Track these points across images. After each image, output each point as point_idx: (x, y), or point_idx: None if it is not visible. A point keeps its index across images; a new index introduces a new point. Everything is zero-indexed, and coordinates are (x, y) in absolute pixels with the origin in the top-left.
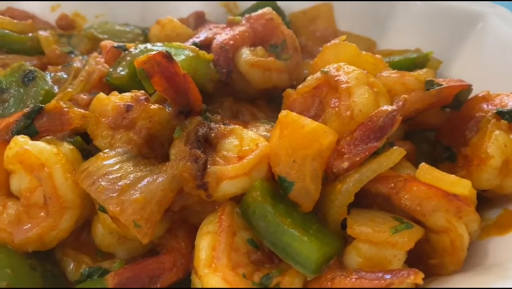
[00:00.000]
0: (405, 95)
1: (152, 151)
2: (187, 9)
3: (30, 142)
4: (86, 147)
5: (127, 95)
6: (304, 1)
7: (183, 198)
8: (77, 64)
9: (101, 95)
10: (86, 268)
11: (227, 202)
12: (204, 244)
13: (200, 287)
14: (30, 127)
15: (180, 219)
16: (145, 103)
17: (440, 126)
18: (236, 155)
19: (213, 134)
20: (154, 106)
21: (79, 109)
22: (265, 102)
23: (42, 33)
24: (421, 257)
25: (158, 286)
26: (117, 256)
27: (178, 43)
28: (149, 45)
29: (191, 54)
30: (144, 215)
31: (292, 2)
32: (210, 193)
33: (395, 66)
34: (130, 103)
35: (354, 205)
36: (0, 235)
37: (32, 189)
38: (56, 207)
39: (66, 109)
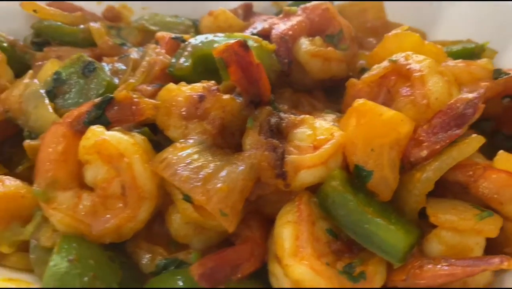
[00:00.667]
0: (486, 83)
1: (224, 140)
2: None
3: (107, 132)
4: (154, 137)
5: (198, 85)
6: None
7: (260, 188)
8: (133, 55)
9: (171, 85)
10: (162, 260)
11: (303, 192)
12: (287, 234)
13: (282, 276)
14: (102, 117)
15: (254, 209)
16: (218, 93)
17: (499, 116)
18: (311, 144)
19: (283, 124)
20: (226, 96)
21: (151, 100)
22: (322, 92)
23: (93, 25)
24: (494, 246)
25: (239, 276)
26: (192, 246)
27: (241, 34)
28: (210, 36)
29: (254, 44)
30: (229, 203)
31: None
32: (288, 182)
33: (453, 56)
34: (203, 94)
35: (428, 194)
36: (77, 226)
37: (109, 179)
38: (134, 197)
39: (137, 99)
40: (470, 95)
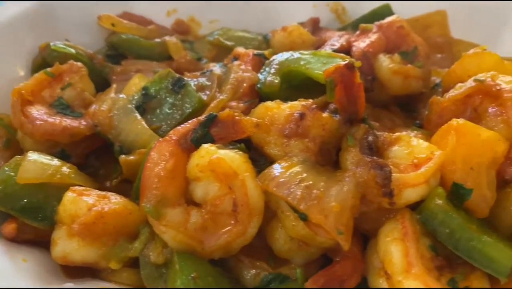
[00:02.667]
0: None
1: (322, 158)
2: (299, 15)
3: (220, 151)
4: (249, 153)
5: (296, 103)
6: (415, 0)
7: (365, 205)
8: (216, 70)
9: (269, 103)
10: (267, 275)
11: (405, 209)
12: (396, 250)
13: None
14: (207, 135)
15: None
16: (318, 111)
17: None
18: (411, 163)
19: (380, 142)
20: (326, 115)
21: (251, 118)
22: (398, 108)
23: (169, 39)
24: None
25: None
26: (293, 261)
27: (327, 52)
28: (296, 54)
29: (342, 62)
30: (343, 221)
31: (402, 6)
32: (394, 201)
33: None
34: (303, 112)
35: None
36: (189, 242)
37: (221, 196)
38: (246, 214)
39: (238, 117)
40: None
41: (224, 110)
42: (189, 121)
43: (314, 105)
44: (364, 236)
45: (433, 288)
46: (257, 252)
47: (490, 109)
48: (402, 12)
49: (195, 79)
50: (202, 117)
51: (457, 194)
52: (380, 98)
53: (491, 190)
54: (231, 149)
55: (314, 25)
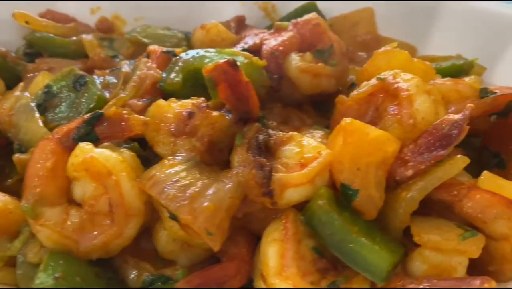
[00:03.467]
0: (471, 104)
1: (212, 157)
2: (227, 13)
3: (96, 149)
4: (143, 153)
5: (187, 102)
6: (344, 1)
7: (247, 205)
8: (125, 68)
9: (161, 101)
10: (149, 276)
11: (290, 209)
12: (272, 252)
13: None
14: (91, 134)
15: (240, 226)
16: (207, 110)
17: (486, 133)
18: (298, 162)
19: (272, 141)
20: (216, 113)
21: (140, 116)
22: (311, 107)
23: (85, 36)
24: (478, 264)
25: None
26: (178, 262)
27: (231, 50)
28: (201, 51)
29: (245, 60)
30: (215, 222)
31: (331, 5)
32: (275, 201)
33: (441, 72)
34: (192, 110)
35: (413, 212)
36: (65, 242)
37: (97, 196)
38: (122, 214)
39: (127, 115)
40: (456, 117)
41: (110, 108)
42: (75, 120)
43: (204, 104)
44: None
45: None
46: (146, 253)
47: (389, 108)
48: (330, 10)
49: (102, 77)
50: (87, 115)
51: (345, 195)
52: (293, 98)
53: (379, 191)
54: (125, 148)
55: (239, 23)
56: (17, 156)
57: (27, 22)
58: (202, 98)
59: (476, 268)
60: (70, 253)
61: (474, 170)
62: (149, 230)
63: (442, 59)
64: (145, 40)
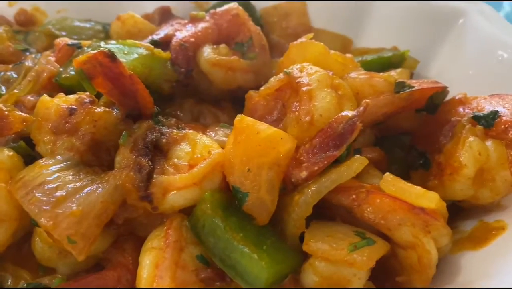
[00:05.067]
0: (367, 100)
1: (97, 158)
2: (155, 4)
3: None
4: (32, 152)
5: (71, 97)
6: None
7: (127, 210)
8: (28, 63)
9: (45, 97)
10: (24, 284)
11: (176, 215)
12: (147, 261)
13: None
14: None
15: (127, 232)
16: (90, 106)
17: (415, 131)
18: (187, 163)
19: (164, 140)
20: (100, 110)
21: (20, 113)
22: (230, 103)
23: None
24: (390, 273)
25: None
26: (58, 271)
27: (132, 41)
28: (102, 43)
29: (145, 52)
30: (80, 229)
31: None
32: (155, 205)
33: (368, 65)
34: (74, 106)
35: (317, 216)
36: None
37: None
38: None
39: (6, 112)
40: (350, 114)
41: None
42: None
43: (88, 99)
44: None
45: None
46: (29, 261)
47: (292, 105)
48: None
49: (3, 72)
50: None
51: (236, 198)
52: (209, 93)
53: (271, 194)
54: (10, 147)
55: (164, 14)
56: None
57: None
58: (87, 93)
59: (387, 277)
60: None
61: (402, 171)
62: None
63: (376, 51)
64: (58, 33)
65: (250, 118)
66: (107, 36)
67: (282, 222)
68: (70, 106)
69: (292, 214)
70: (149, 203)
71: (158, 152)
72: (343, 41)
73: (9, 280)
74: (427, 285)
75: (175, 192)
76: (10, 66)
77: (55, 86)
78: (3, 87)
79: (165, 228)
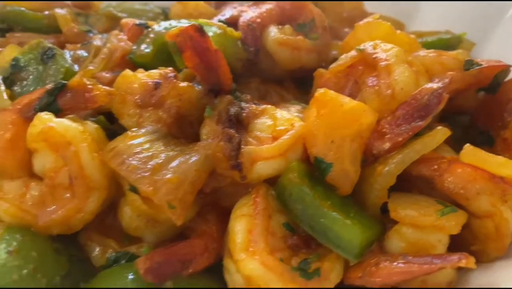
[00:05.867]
0: (451, 72)
1: (181, 130)
2: None
3: (55, 119)
4: (110, 126)
5: (154, 72)
6: None
7: (216, 180)
8: (97, 42)
9: (127, 72)
10: (113, 253)
11: (261, 184)
12: (240, 227)
13: (235, 272)
14: (53, 104)
15: (211, 202)
16: (174, 80)
17: (474, 111)
18: (270, 135)
19: (244, 114)
20: (184, 84)
21: (105, 87)
22: (293, 84)
23: (59, 11)
24: (461, 244)
25: (190, 271)
26: (145, 240)
27: (205, 20)
28: (173, 22)
29: (218, 31)
30: (178, 195)
31: None
32: (244, 174)
33: (428, 47)
34: (159, 80)
35: (393, 188)
36: (24, 217)
37: (57, 168)
38: (82, 187)
39: (91, 86)
40: (435, 85)
41: (73, 79)
42: (36, 90)
43: (171, 74)
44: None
45: (271, 271)
46: (112, 230)
47: (368, 80)
48: None
49: (72, 51)
50: (49, 86)
51: (318, 169)
52: (273, 73)
53: (354, 165)
54: (92, 120)
55: None
56: None
57: None
58: (170, 68)
59: (459, 248)
60: (29, 228)
61: (461, 149)
62: (116, 206)
63: (430, 34)
64: (120, 14)
65: (332, 91)
66: (166, 19)
67: (362, 193)
68: (155, 80)
69: (374, 184)
70: (238, 172)
71: (238, 125)
72: (396, 25)
73: (97, 249)
74: (503, 253)
75: (262, 161)
76: (78, 45)
77: (128, 63)
78: (75, 66)
79: (253, 196)
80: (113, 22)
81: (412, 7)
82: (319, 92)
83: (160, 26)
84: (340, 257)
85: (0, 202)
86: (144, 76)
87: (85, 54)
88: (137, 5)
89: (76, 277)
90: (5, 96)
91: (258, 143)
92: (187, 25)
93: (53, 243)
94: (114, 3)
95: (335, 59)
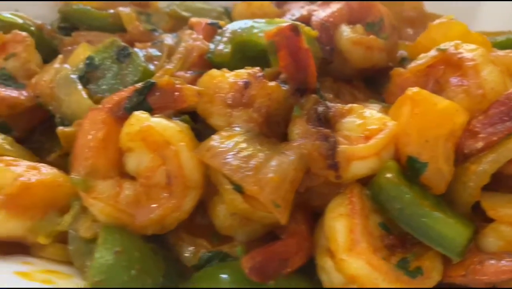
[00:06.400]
0: None
1: (270, 129)
2: None
3: (152, 118)
4: (195, 126)
5: (242, 72)
6: None
7: (310, 179)
8: (167, 41)
9: (214, 71)
10: (206, 253)
11: (354, 184)
12: (340, 227)
13: (334, 271)
14: (144, 103)
15: (301, 202)
16: (264, 80)
17: None
18: (362, 135)
19: (331, 113)
20: (272, 84)
21: (193, 87)
22: (362, 83)
23: (122, 9)
24: None
25: (288, 270)
26: (236, 238)
27: (281, 19)
28: (249, 22)
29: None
30: (281, 194)
31: None
32: (340, 174)
33: (498, 47)
34: (248, 80)
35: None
36: (120, 216)
37: (154, 168)
38: (180, 187)
39: (179, 85)
40: None
41: (162, 78)
42: (125, 89)
43: (260, 74)
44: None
45: (377, 270)
46: (201, 230)
47: (452, 80)
48: None
49: (145, 50)
50: (138, 85)
51: (412, 168)
52: (343, 72)
53: (448, 164)
54: (175, 120)
55: None
56: (61, 129)
57: None
58: (258, 68)
59: None
60: (124, 227)
61: None
62: (204, 205)
63: (494, 34)
64: (185, 14)
65: (426, 91)
66: (229, 18)
67: (453, 192)
68: (244, 80)
69: (468, 182)
70: (334, 172)
71: (326, 124)
72: None
73: (190, 249)
74: None
75: (358, 161)
76: (149, 44)
77: (205, 63)
78: (150, 65)
79: (348, 196)
80: (176, 21)
81: (472, 7)
82: (412, 91)
83: (235, 26)
84: (438, 255)
85: (95, 202)
86: (232, 76)
87: (157, 53)
88: (198, 4)
89: (173, 277)
90: (84, 95)
91: (348, 143)
92: (284, 25)
93: (148, 243)
94: (177, 2)
95: (402, 58)
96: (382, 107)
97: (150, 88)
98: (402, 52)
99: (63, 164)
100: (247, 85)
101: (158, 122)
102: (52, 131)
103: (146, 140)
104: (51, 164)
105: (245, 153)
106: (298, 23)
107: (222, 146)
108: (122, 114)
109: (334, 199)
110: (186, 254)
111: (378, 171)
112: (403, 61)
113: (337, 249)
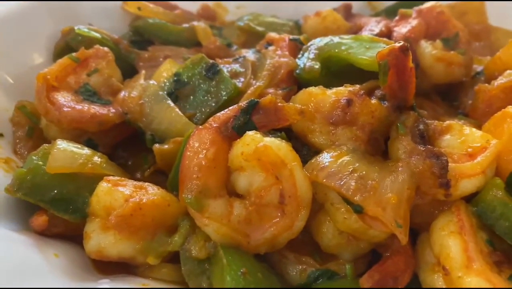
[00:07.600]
0: None
1: (372, 147)
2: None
3: (266, 138)
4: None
5: (342, 89)
6: None
7: (418, 197)
8: (249, 56)
9: (313, 89)
10: (315, 271)
11: (459, 201)
12: (453, 244)
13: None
14: (249, 123)
15: None
16: (366, 97)
17: None
18: (465, 152)
19: (430, 131)
20: (374, 101)
21: (295, 105)
22: (439, 97)
23: (198, 24)
24: None
25: (400, 287)
26: (341, 257)
27: (369, 36)
28: (336, 38)
29: (386, 47)
30: (401, 214)
31: None
32: (449, 192)
33: None
34: (350, 98)
35: None
36: (233, 236)
37: (267, 187)
38: (294, 206)
39: (281, 104)
40: None
41: (265, 97)
42: (229, 108)
43: (362, 91)
44: (412, 230)
45: (497, 287)
46: (301, 247)
47: None
48: None
49: (227, 66)
50: (243, 104)
51: None
52: (421, 87)
53: None
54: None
55: (347, 11)
56: (157, 147)
57: (139, 8)
58: (358, 86)
59: None
60: (239, 247)
61: None
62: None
63: None
64: (259, 28)
65: None
66: (300, 32)
67: None
68: (346, 98)
69: None
70: (445, 190)
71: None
72: None
73: (297, 267)
74: None
75: (467, 179)
76: (230, 60)
77: (293, 79)
78: (236, 81)
79: (455, 214)
80: (250, 36)
81: None
82: None
83: (321, 42)
84: None
85: (209, 222)
86: (333, 94)
87: (240, 69)
88: (269, 18)
89: None
90: (179, 112)
91: (451, 160)
92: (397, 44)
93: (260, 262)
94: (248, 15)
95: (476, 72)
96: (470, 123)
97: (254, 107)
98: (475, 66)
99: (155, 180)
100: (350, 103)
101: (273, 142)
102: (134, 148)
103: (261, 160)
104: (141, 180)
105: (359, 173)
106: (384, 39)
107: (335, 165)
108: (229, 133)
109: (441, 216)
110: (292, 273)
111: (483, 188)
112: (477, 76)
113: (454, 267)
